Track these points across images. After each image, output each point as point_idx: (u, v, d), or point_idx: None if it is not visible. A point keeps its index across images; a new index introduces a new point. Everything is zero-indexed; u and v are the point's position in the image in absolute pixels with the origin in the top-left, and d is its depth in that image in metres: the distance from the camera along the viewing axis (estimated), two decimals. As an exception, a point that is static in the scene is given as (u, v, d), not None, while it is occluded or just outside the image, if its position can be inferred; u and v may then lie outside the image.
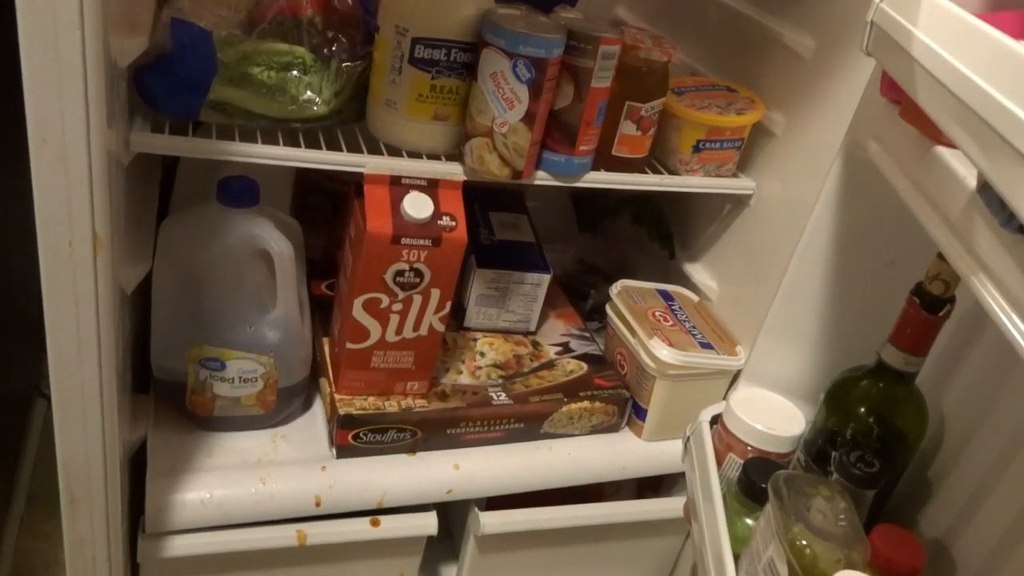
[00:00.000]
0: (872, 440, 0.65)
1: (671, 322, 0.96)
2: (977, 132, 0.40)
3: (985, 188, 0.44)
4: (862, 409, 0.66)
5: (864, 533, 0.58)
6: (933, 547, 0.67)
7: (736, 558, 0.65)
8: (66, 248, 0.54)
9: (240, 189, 0.79)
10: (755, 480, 0.67)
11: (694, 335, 0.95)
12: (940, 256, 0.60)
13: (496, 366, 0.96)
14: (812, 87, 0.86)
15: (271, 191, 0.85)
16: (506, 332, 1.02)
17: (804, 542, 0.56)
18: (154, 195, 0.87)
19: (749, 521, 0.68)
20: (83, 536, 0.67)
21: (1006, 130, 0.37)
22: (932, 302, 0.61)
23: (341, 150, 0.79)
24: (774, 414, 0.76)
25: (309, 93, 0.78)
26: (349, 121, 0.83)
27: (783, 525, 0.58)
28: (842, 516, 0.58)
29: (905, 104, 0.56)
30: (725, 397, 0.85)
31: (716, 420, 0.80)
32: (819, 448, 0.69)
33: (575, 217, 1.28)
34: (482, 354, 0.98)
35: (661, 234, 1.09)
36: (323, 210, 1.05)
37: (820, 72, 0.85)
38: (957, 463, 0.68)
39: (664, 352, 0.90)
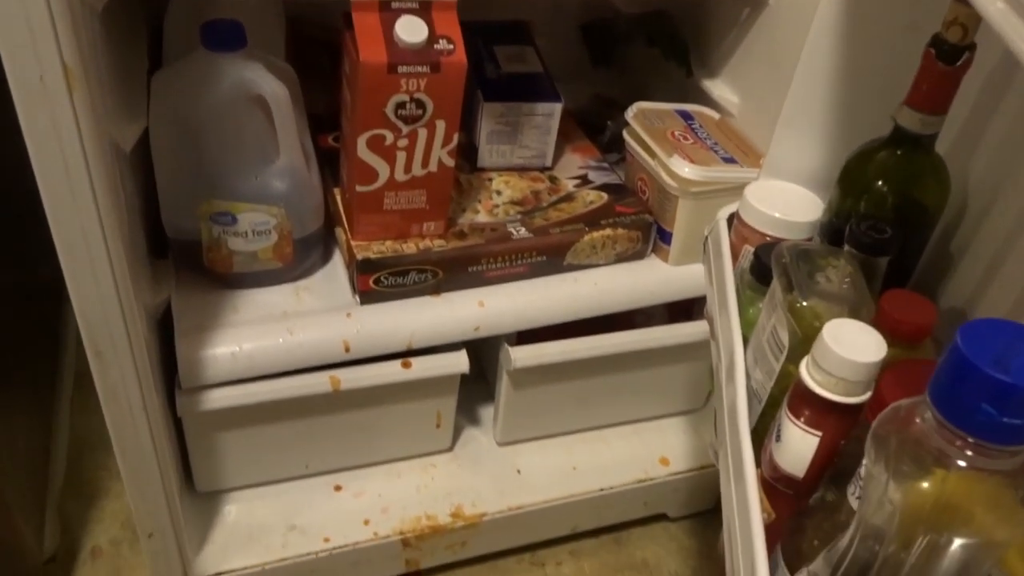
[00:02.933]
0: (888, 210, 0.62)
1: (692, 140, 0.92)
2: None
3: None
4: (878, 181, 0.63)
5: (870, 296, 0.56)
6: (952, 316, 0.65)
7: (746, 343, 0.64)
8: (37, 83, 0.52)
9: (225, 31, 0.75)
10: (765, 261, 0.64)
11: (716, 151, 0.91)
12: (958, -1, 0.55)
13: (514, 203, 0.94)
14: None
15: (262, 38, 0.82)
16: (521, 169, 0.99)
17: (804, 303, 0.54)
18: (141, 48, 0.84)
19: (760, 306, 0.66)
20: (115, 385, 0.67)
21: None
22: (950, 51, 0.56)
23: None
24: (791, 202, 0.73)
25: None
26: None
27: (784, 290, 0.56)
28: (847, 279, 0.56)
29: None
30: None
31: (733, 218, 0.78)
32: (835, 229, 0.65)
33: (587, 52, 1.22)
34: (498, 192, 0.95)
35: (677, 50, 1.03)
36: (321, 63, 1.00)
37: None
38: (978, 233, 0.64)
39: (686, 169, 0.87)
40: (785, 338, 0.56)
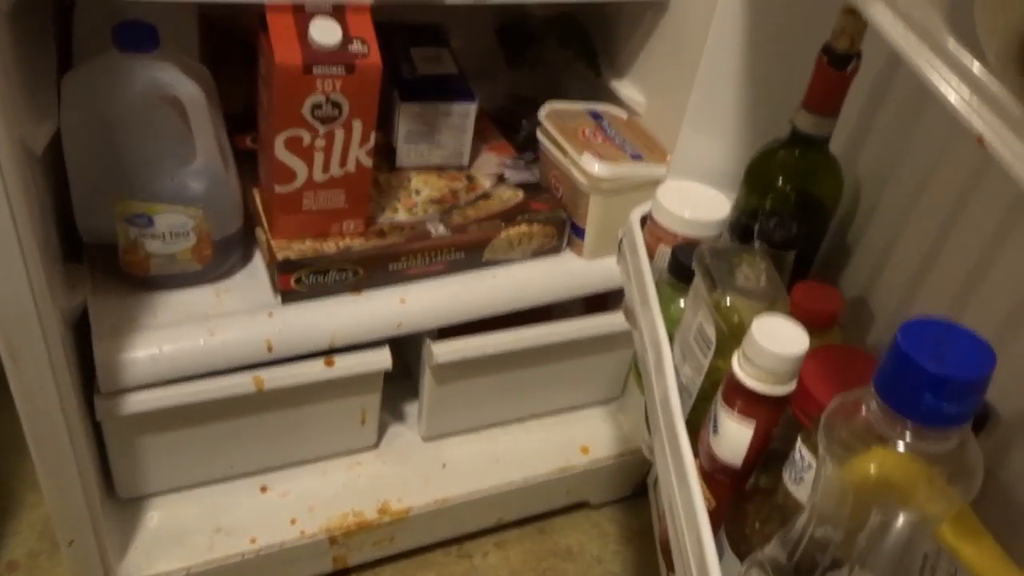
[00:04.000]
0: (790, 206, 0.67)
1: (601, 138, 0.96)
2: None
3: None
4: (780, 179, 0.68)
5: (784, 289, 0.61)
6: (853, 304, 0.70)
7: (671, 339, 0.68)
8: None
9: (137, 32, 0.75)
10: (683, 261, 0.68)
11: (624, 148, 0.95)
12: (845, 10, 0.60)
13: (432, 201, 0.96)
14: None
15: (175, 37, 0.82)
16: (439, 168, 1.01)
17: (728, 302, 0.59)
18: (50, 49, 0.83)
19: (682, 303, 0.70)
20: (31, 390, 0.67)
21: None
22: (839, 58, 0.62)
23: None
24: (700, 201, 0.77)
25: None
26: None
27: (708, 291, 0.60)
28: (764, 276, 0.60)
29: None
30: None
31: (647, 218, 0.82)
32: (743, 226, 0.70)
33: (502, 52, 1.25)
34: (417, 192, 0.97)
35: (586, 52, 1.07)
36: (237, 60, 1.00)
37: None
38: (870, 223, 0.70)
39: (596, 167, 0.91)
40: (712, 334, 0.59)
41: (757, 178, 0.70)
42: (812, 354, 0.54)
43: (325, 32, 0.76)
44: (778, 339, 0.53)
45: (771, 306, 0.58)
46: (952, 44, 0.39)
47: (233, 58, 1.00)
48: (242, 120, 0.95)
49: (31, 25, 0.79)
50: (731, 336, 0.58)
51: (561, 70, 1.17)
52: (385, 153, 0.99)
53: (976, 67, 0.37)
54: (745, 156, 0.73)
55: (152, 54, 0.76)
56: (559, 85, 1.19)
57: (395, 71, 0.98)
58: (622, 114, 1.03)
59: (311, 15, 0.76)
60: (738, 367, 0.55)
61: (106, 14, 0.79)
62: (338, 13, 0.78)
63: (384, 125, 0.93)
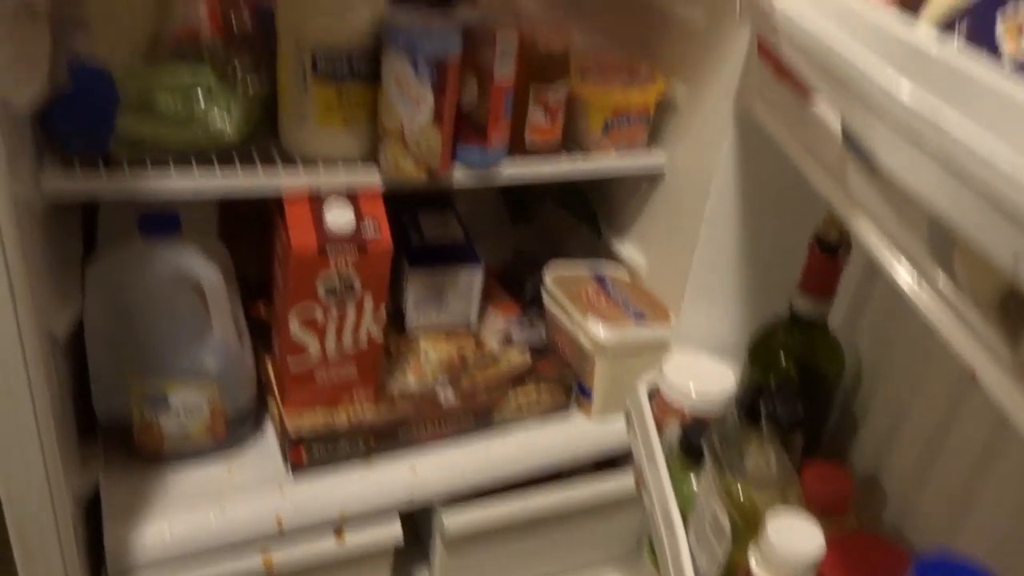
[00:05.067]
0: (794, 386, 0.68)
1: (604, 300, 0.99)
2: (830, 81, 0.42)
3: (848, 134, 0.47)
4: (782, 358, 0.70)
5: (795, 473, 0.61)
6: (865, 480, 0.70)
7: (685, 518, 0.68)
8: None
9: (161, 221, 0.79)
10: (693, 440, 0.69)
11: (627, 309, 0.97)
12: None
13: (441, 365, 0.98)
14: (707, 56, 0.89)
15: (195, 211, 0.85)
16: (448, 331, 1.03)
17: (740, 490, 0.59)
18: (76, 233, 0.87)
19: (694, 482, 0.70)
20: (39, 572, 0.66)
21: (855, 80, 0.40)
22: (829, 246, 0.65)
23: (256, 168, 0.80)
24: (706, 375, 0.79)
25: (218, 120, 0.78)
26: (262, 141, 0.84)
27: (719, 478, 0.60)
28: (774, 461, 0.61)
29: (776, 64, 0.59)
30: (663, 364, 0.88)
31: (654, 390, 0.83)
32: (749, 402, 0.72)
33: (506, 211, 1.30)
34: (426, 355, 0.99)
35: (586, 215, 1.12)
36: (251, 220, 1.04)
37: (713, 42, 0.88)
38: (875, 397, 0.71)
39: (600, 330, 0.93)
40: (726, 525, 0.60)
41: (760, 356, 0.72)
42: (831, 544, 0.54)
43: (339, 216, 0.79)
44: (794, 539, 0.54)
45: (783, 492, 0.58)
46: (942, 280, 0.40)
47: (246, 218, 1.04)
48: (256, 287, 0.98)
49: (58, 214, 0.83)
50: (745, 527, 0.58)
51: (564, 228, 1.22)
52: (394, 316, 1.01)
53: (963, 304, 0.39)
54: (748, 325, 0.76)
55: (174, 239, 0.80)
56: (562, 242, 1.24)
57: (404, 237, 1.02)
58: (624, 274, 1.06)
59: (326, 199, 0.80)
60: (756, 568, 0.55)
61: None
62: (351, 195, 0.82)
63: (394, 290, 0.96)
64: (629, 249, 1.07)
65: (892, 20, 0.40)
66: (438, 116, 0.79)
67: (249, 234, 1.01)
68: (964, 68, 0.35)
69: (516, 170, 0.90)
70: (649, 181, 1.01)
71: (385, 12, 0.79)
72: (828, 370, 0.71)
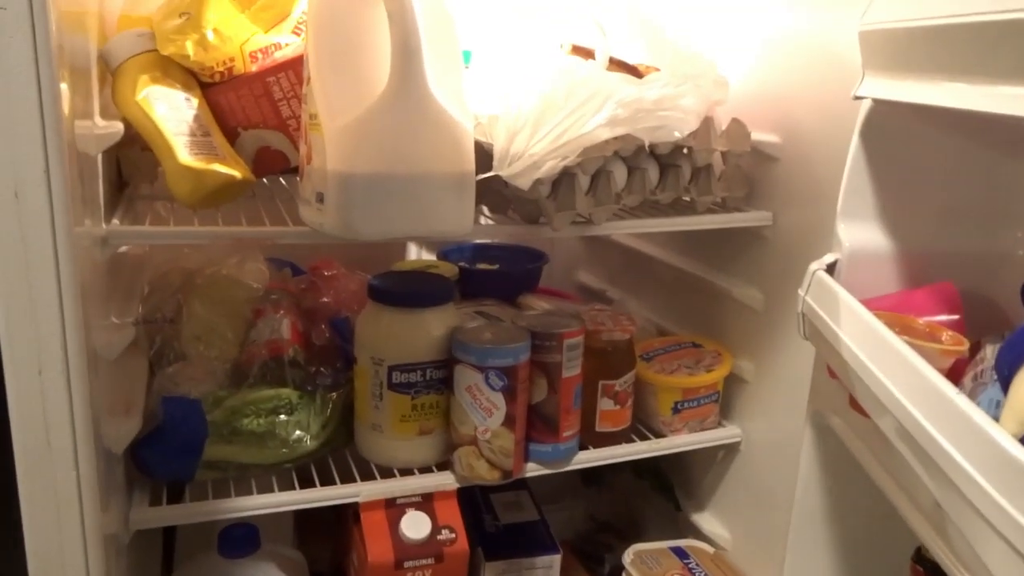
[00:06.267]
0: None
1: (691, 584, 0.94)
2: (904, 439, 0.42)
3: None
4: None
5: None
6: None
7: None
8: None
9: (240, 538, 0.80)
10: None
11: (717, 594, 0.92)
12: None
13: (522, 662, 0.92)
14: (770, 335, 0.90)
15: (273, 524, 0.86)
16: (528, 622, 0.99)
17: None
18: (156, 551, 0.88)
19: None
20: None
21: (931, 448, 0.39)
22: (934, 568, 0.61)
23: (334, 482, 0.81)
24: None
25: (298, 432, 0.81)
26: (339, 447, 0.86)
27: None
28: None
29: (849, 396, 0.59)
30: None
31: None
32: None
33: (578, 473, 1.28)
34: (506, 651, 0.94)
35: (663, 486, 1.09)
36: (326, 517, 1.05)
37: (774, 320, 0.89)
38: None
39: (690, 622, 0.88)
40: None
41: None
42: None
43: (416, 526, 0.79)
44: None
45: None
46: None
47: (320, 514, 1.04)
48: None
49: (141, 539, 0.84)
50: None
51: (639, 495, 1.19)
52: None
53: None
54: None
55: (253, 555, 0.80)
56: (638, 509, 1.20)
57: (478, 523, 1.00)
58: (708, 549, 1.01)
59: (403, 509, 0.81)
60: None
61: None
62: (426, 502, 0.82)
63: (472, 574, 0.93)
64: (710, 522, 1.03)
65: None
66: (509, 420, 0.81)
67: (322, 524, 1.02)
68: None
69: (588, 456, 0.90)
70: (726, 452, 0.99)
71: (458, 325, 0.83)
72: None
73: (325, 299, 0.95)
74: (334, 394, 0.85)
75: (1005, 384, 0.43)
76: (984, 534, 0.36)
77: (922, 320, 0.55)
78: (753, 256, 0.92)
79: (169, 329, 0.82)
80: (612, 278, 1.23)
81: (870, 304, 0.52)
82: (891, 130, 0.64)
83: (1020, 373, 0.42)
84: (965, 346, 0.53)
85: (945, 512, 0.42)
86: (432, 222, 0.69)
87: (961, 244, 0.66)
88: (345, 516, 0.86)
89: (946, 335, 0.53)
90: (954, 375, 0.52)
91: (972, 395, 0.46)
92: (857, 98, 0.62)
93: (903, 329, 0.51)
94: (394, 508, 0.81)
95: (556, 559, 0.98)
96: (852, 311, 0.51)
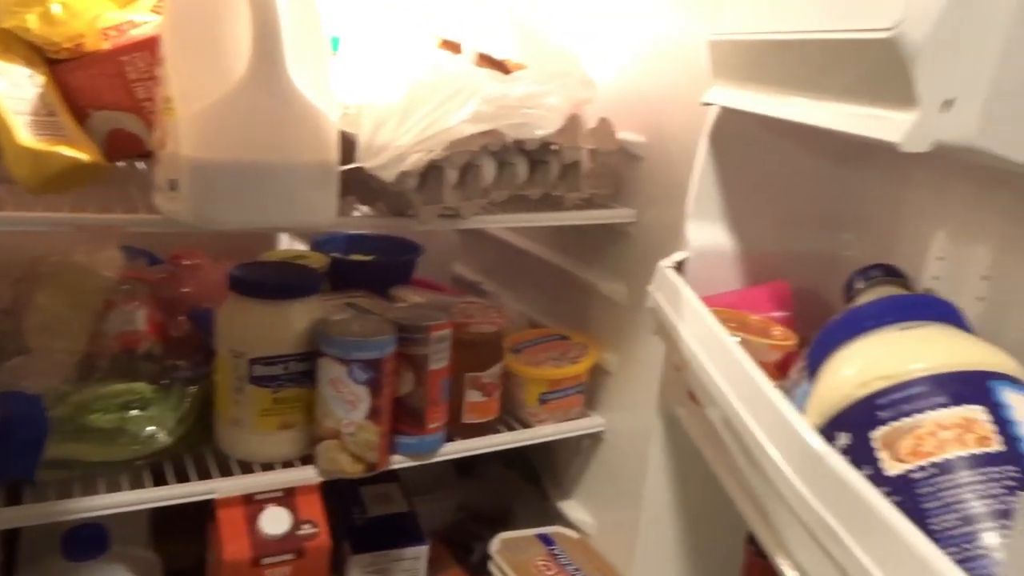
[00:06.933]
0: None
1: (555, 570, 0.96)
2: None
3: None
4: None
5: None
6: None
7: None
8: None
9: (85, 539, 0.76)
10: None
11: (579, 580, 0.95)
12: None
13: (387, 655, 0.92)
14: (633, 328, 0.93)
15: (125, 524, 0.83)
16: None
17: None
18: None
19: None
20: None
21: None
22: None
23: (189, 479, 0.79)
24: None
25: (151, 428, 0.78)
26: (199, 443, 0.83)
27: None
28: None
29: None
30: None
31: None
32: None
33: (452, 464, 1.29)
34: (371, 639, 0.94)
35: (531, 476, 1.11)
36: (188, 519, 1.01)
37: (637, 314, 0.92)
38: None
39: (552, 608, 0.90)
40: None
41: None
42: None
43: (274, 522, 0.78)
44: None
45: None
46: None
47: (185, 526, 1.00)
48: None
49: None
50: None
51: (509, 484, 1.21)
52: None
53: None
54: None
55: (100, 558, 0.77)
56: (509, 499, 1.22)
57: (345, 515, 0.99)
58: (573, 535, 1.04)
59: (261, 504, 0.79)
60: None
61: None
62: (288, 496, 0.80)
63: (336, 566, 0.92)
64: (576, 510, 1.06)
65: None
66: (374, 412, 0.80)
67: (186, 534, 0.98)
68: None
69: (454, 448, 0.91)
70: (591, 440, 1.02)
71: (323, 317, 0.82)
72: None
73: (185, 289, 0.91)
74: (193, 388, 0.82)
75: (813, 377, 0.47)
76: (787, 519, 0.39)
77: (757, 316, 0.59)
78: (618, 251, 0.95)
79: (8, 321, 0.77)
80: (487, 271, 1.24)
81: (712, 300, 0.55)
82: (737, 136, 0.67)
83: (825, 367, 0.45)
84: (794, 341, 0.57)
85: (759, 497, 0.45)
86: (292, 213, 0.68)
87: (798, 245, 0.71)
88: (206, 517, 0.84)
89: (777, 330, 0.57)
90: (784, 369, 0.56)
91: (794, 387, 0.50)
92: (705, 104, 0.65)
93: (739, 325, 0.54)
94: (253, 504, 0.79)
95: (423, 550, 0.98)
96: (690, 306, 0.53)
